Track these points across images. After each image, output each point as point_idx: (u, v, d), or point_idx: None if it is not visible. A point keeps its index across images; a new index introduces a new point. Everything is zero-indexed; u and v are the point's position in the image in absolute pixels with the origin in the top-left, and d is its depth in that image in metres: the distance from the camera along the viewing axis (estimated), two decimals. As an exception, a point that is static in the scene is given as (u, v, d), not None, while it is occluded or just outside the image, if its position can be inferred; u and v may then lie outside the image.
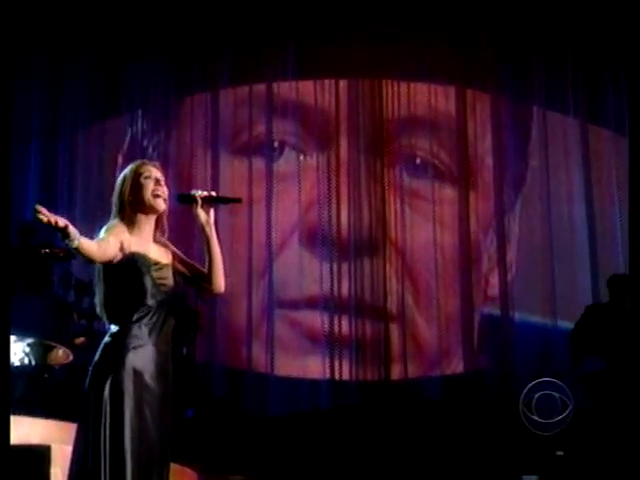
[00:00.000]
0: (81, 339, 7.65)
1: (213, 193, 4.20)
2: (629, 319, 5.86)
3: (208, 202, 4.17)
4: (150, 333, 3.99)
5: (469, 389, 9.16)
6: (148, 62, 9.87)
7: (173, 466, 4.20)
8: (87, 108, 9.83)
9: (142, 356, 3.95)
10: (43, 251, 7.64)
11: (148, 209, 4.10)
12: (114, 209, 4.12)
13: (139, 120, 9.87)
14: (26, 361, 7.08)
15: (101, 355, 3.97)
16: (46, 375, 7.23)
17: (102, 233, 4.04)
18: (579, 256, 9.44)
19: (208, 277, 4.19)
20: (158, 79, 9.88)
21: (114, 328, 4.01)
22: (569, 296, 9.22)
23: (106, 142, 9.86)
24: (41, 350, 7.16)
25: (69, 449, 4.03)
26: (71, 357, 7.33)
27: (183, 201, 4.21)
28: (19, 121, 9.30)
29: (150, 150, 9.71)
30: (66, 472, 4.04)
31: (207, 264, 4.19)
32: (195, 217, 4.17)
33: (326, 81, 9.91)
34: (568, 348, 7.71)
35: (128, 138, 9.86)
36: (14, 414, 5.23)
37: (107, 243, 3.95)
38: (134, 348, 3.94)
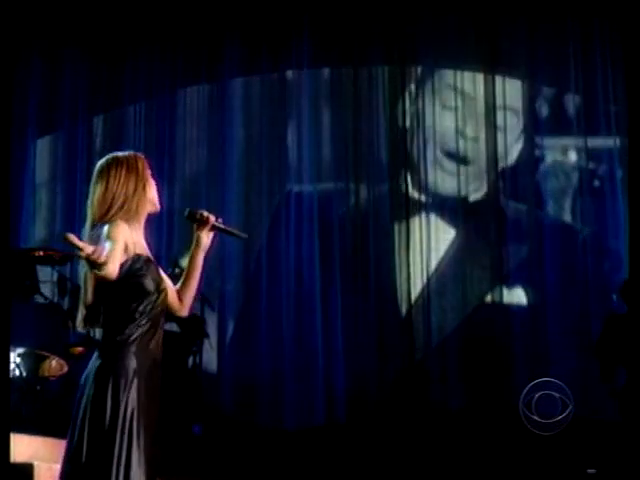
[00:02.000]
0: (79, 349, 7.60)
1: (220, 220, 4.23)
2: None
3: (214, 229, 4.21)
4: (149, 342, 3.96)
5: (495, 400, 9.13)
6: (153, 52, 9.91)
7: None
8: (89, 100, 9.88)
9: (141, 365, 3.92)
10: (37, 254, 7.63)
11: (155, 207, 4.11)
12: (116, 205, 3.97)
13: (142, 112, 9.89)
14: (17, 372, 7.06)
15: (99, 364, 3.92)
16: (38, 387, 7.22)
17: (109, 240, 3.85)
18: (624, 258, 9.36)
19: (178, 295, 4.18)
20: (164, 69, 9.90)
21: (110, 336, 3.95)
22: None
23: (107, 135, 9.89)
24: (33, 361, 7.16)
25: (57, 468, 4.01)
26: (66, 368, 7.30)
27: (192, 218, 4.22)
28: (17, 115, 9.34)
29: (154, 143, 9.74)
30: (53, 493, 4.04)
31: (183, 283, 4.19)
32: (197, 237, 4.18)
33: (343, 69, 9.91)
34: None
35: (131, 130, 9.89)
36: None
37: (118, 254, 3.85)
38: (134, 356, 3.91)
